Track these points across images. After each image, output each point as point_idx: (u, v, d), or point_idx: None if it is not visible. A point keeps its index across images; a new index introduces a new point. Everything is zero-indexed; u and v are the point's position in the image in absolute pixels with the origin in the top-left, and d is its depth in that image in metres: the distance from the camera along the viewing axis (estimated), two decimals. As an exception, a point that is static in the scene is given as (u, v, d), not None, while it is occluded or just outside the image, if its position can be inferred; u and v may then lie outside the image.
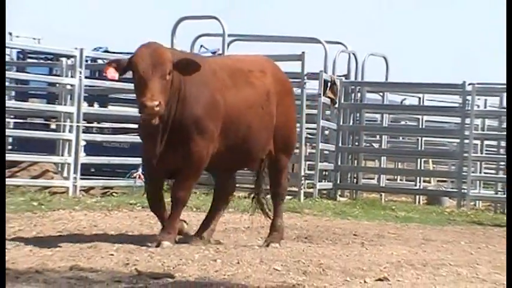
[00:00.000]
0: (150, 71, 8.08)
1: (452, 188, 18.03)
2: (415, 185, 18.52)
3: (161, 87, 8.08)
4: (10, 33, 18.90)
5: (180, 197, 8.58)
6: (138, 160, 15.76)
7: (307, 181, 15.62)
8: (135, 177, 15.15)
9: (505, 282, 4.94)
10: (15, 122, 17.83)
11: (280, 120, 9.19)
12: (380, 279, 7.15)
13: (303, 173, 15.53)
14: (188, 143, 8.45)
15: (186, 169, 8.58)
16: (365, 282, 7.07)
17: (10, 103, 17.74)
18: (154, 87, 8.03)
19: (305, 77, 15.49)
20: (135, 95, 8.34)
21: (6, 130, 18.20)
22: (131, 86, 15.66)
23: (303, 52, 15.48)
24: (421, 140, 18.46)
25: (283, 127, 9.29)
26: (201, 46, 17.24)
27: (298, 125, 16.39)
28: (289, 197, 15.26)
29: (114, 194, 14.30)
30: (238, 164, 9.35)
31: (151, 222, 10.21)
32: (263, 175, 9.51)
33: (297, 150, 16.36)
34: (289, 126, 9.50)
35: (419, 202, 17.71)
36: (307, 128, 15.86)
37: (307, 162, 15.88)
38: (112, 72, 8.35)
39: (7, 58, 19.13)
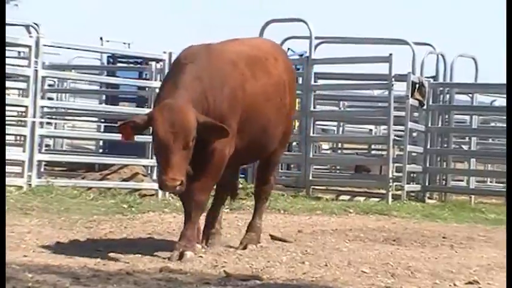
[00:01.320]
0: (171, 140, 7.46)
1: (543, 190, 17.77)
2: (505, 187, 18.29)
3: (183, 160, 7.50)
4: (101, 38, 19.07)
5: (201, 200, 7.95)
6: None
7: (395, 183, 15.49)
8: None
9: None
10: (105, 126, 18.01)
11: (288, 110, 8.75)
12: (470, 283, 7.04)
13: (390, 175, 15.41)
14: (212, 142, 7.83)
15: (207, 169, 7.93)
16: (454, 285, 6.98)
17: (101, 107, 17.94)
18: (176, 163, 7.45)
19: (393, 79, 15.36)
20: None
21: (98, 134, 18.45)
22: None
23: (391, 54, 15.35)
24: (512, 141, 18.23)
25: (288, 117, 8.83)
26: (288, 49, 17.20)
27: (385, 126, 16.38)
28: (377, 199, 15.20)
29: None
30: (250, 159, 8.98)
31: (239, 225, 10.21)
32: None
33: (384, 152, 16.30)
34: (291, 116, 9.00)
35: (509, 204, 17.51)
36: (394, 130, 15.74)
37: (395, 164, 15.74)
38: (128, 134, 7.86)
39: (98, 62, 19.33)
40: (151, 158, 15.17)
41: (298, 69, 16.84)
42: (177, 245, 7.74)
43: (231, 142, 7.97)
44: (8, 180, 13.65)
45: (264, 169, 8.93)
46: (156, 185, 14.75)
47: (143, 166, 15.41)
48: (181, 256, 7.59)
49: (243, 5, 51.83)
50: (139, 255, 7.66)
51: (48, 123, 15.74)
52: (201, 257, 7.72)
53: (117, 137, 16.05)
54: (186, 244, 7.73)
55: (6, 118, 15.90)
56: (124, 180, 15.14)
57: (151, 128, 7.67)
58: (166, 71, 15.08)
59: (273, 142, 8.60)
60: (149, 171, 15.29)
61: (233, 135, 7.93)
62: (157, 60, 15.57)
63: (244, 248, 8.35)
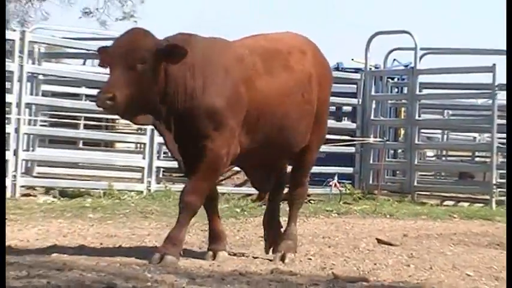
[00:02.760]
0: (116, 60, 6.76)
1: None
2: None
3: (124, 79, 6.71)
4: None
5: (190, 201, 7.18)
6: (334, 169, 15.89)
7: (499, 189, 15.30)
8: (331, 186, 15.22)
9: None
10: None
11: (319, 107, 7.82)
12: None
13: (494, 182, 15.23)
14: (203, 140, 7.09)
15: (200, 169, 7.13)
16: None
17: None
18: (114, 80, 6.72)
19: (496, 88, 15.18)
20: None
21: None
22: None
23: (494, 64, 15.17)
24: None
25: (321, 116, 7.94)
26: (394, 60, 17.12)
27: (489, 134, 16.19)
28: (481, 205, 15.03)
29: (311, 201, 14.33)
30: (275, 158, 7.88)
31: (347, 228, 10.20)
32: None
33: (488, 159, 16.11)
34: (325, 115, 8.14)
35: None
36: (498, 138, 15.54)
37: (499, 171, 15.55)
38: (102, 61, 7.11)
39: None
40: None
41: (404, 79, 16.77)
42: (160, 248, 7.17)
43: (230, 142, 7.19)
44: (129, 186, 13.88)
45: (296, 171, 8.07)
46: None
47: (255, 172, 15.49)
48: (161, 259, 6.97)
49: (350, 19, 51.61)
50: (252, 257, 7.70)
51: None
52: (310, 259, 7.72)
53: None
54: (169, 247, 7.10)
55: (129, 127, 16.11)
56: (237, 186, 15.24)
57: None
58: None
59: (296, 141, 7.72)
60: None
61: (233, 135, 7.19)
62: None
63: (283, 258, 7.57)
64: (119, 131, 16.77)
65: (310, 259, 7.73)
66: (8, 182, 12.56)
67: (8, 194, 12.44)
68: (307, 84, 7.64)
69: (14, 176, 12.66)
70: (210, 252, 7.47)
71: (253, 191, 14.86)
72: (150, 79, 6.84)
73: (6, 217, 9.49)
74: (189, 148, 7.13)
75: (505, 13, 8.44)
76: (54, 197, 12.68)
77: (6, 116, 12.80)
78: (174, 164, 16.51)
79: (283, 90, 7.45)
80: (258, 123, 7.33)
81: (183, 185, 14.52)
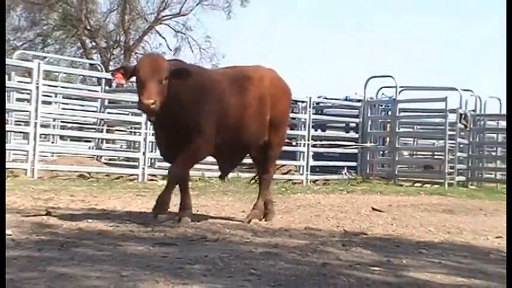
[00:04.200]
0: (148, 76, 6.27)
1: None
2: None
3: (157, 90, 6.25)
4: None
5: (173, 171, 6.63)
6: (344, 163, 15.88)
7: (449, 176, 15.13)
8: (342, 174, 15.31)
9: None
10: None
11: (274, 118, 7.14)
12: (497, 237, 6.85)
13: (446, 171, 15.06)
14: (190, 139, 6.49)
15: (184, 151, 6.53)
16: (487, 238, 6.79)
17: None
18: (151, 89, 6.22)
19: (447, 111, 15.07)
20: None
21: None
22: (342, 119, 15.33)
23: (446, 96, 15.07)
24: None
25: (278, 124, 7.25)
26: (382, 94, 17.03)
27: (443, 141, 16.01)
28: (437, 186, 14.85)
29: (330, 183, 14.30)
30: (239, 151, 7.18)
31: (353, 201, 10.14)
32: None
33: (442, 157, 15.93)
34: (283, 123, 7.40)
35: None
36: (448, 143, 15.37)
37: (449, 164, 15.36)
38: (120, 77, 6.53)
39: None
40: (299, 160, 15.23)
41: (389, 106, 16.71)
42: (178, 213, 6.74)
43: (207, 144, 6.64)
44: (214, 173, 13.89)
45: (264, 162, 7.47)
46: (301, 177, 14.87)
47: (294, 165, 15.48)
48: (179, 220, 6.60)
49: (348, 62, 51.34)
50: (292, 219, 7.68)
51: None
52: (329, 220, 7.64)
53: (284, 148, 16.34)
54: (182, 212, 6.74)
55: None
56: (283, 173, 15.25)
57: (135, 72, 6.39)
58: (308, 107, 15.17)
59: (251, 140, 7.07)
60: (298, 169, 15.34)
61: (210, 139, 6.64)
62: (302, 101, 15.62)
63: (249, 221, 7.07)
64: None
65: (329, 220, 7.69)
66: (139, 171, 12.67)
67: (140, 179, 12.55)
68: (258, 100, 6.97)
69: (143, 168, 12.77)
70: (177, 217, 6.73)
71: (292, 177, 14.95)
72: (168, 92, 6.35)
73: (138, 194, 9.58)
74: (176, 142, 6.51)
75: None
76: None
77: (138, 131, 12.97)
78: (244, 159, 16.71)
79: (242, 104, 6.86)
80: (225, 128, 6.73)
81: (248, 174, 14.73)
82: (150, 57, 6.88)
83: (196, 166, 13.95)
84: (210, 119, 6.63)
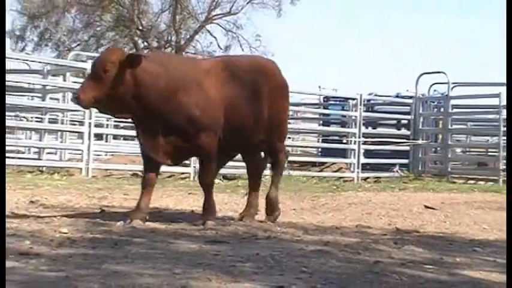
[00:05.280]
0: (92, 68, 6.05)
1: None
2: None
3: (93, 83, 5.84)
4: (319, 86, 19.12)
5: (204, 180, 6.35)
6: (396, 161, 15.75)
7: (503, 173, 14.85)
8: (394, 171, 15.21)
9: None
10: (322, 139, 18.05)
11: (273, 111, 6.58)
12: None
13: (501, 168, 14.81)
14: (195, 139, 6.09)
15: (202, 159, 6.35)
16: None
17: (319, 128, 18.00)
18: (85, 84, 5.92)
19: (502, 107, 14.80)
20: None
21: (318, 143, 18.55)
22: (381, 115, 15.19)
23: (500, 92, 14.80)
24: None
25: (278, 118, 6.68)
26: (434, 90, 16.85)
27: (497, 137, 15.73)
28: (492, 183, 14.62)
29: (381, 181, 14.19)
30: (237, 148, 6.72)
31: (405, 198, 10.05)
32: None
33: (496, 153, 15.65)
34: (281, 117, 6.80)
35: None
36: (503, 140, 15.11)
37: (503, 161, 15.10)
38: None
39: (313, 100, 19.32)
40: (349, 158, 15.16)
41: (441, 102, 16.51)
42: (201, 217, 6.39)
43: (214, 136, 6.21)
44: (264, 172, 13.89)
45: (270, 155, 6.96)
46: (352, 174, 14.80)
47: (345, 163, 15.42)
48: (203, 223, 6.20)
49: (399, 58, 50.84)
50: (343, 217, 7.64)
51: (288, 138, 15.89)
52: (381, 218, 7.61)
53: (330, 146, 16.31)
54: (207, 216, 6.35)
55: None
56: (333, 171, 15.20)
57: None
58: (358, 105, 15.08)
59: (249, 135, 6.51)
60: (349, 166, 15.27)
61: (215, 130, 6.20)
62: (353, 99, 15.54)
63: (240, 219, 6.69)
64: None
65: (381, 218, 7.63)
66: (191, 169, 12.74)
67: (191, 177, 12.62)
68: (253, 93, 6.44)
69: (194, 167, 12.84)
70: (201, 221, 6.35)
71: (343, 175, 14.87)
72: (113, 83, 5.84)
73: (189, 192, 9.64)
74: (179, 144, 6.11)
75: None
76: (220, 179, 12.79)
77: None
78: (295, 158, 16.75)
79: (237, 96, 6.35)
80: (224, 121, 6.28)
81: (299, 172, 14.67)
82: (101, 53, 6.36)
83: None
84: (210, 111, 6.15)
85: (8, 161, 12.13)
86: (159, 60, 6.22)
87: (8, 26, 29.71)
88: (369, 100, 17.12)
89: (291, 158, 15.99)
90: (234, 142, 6.45)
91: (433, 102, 16.83)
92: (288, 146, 16.39)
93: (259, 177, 7.06)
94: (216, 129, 6.22)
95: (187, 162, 13.02)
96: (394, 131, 17.44)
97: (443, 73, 15.88)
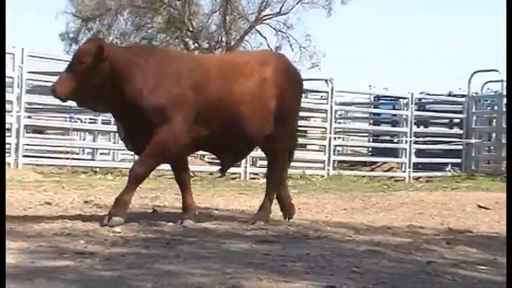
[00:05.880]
0: (71, 61, 5.88)
1: None
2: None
3: (69, 76, 5.72)
4: (369, 85, 19.00)
5: (135, 170, 5.90)
6: (448, 160, 15.57)
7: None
8: (447, 170, 15.08)
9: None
10: (373, 139, 17.94)
11: (280, 106, 6.20)
12: None
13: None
14: (154, 128, 5.77)
15: (148, 147, 5.83)
16: None
17: (370, 127, 17.88)
18: (62, 76, 5.83)
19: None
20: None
21: (368, 143, 18.45)
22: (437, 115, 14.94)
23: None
24: None
25: (286, 113, 6.28)
26: (488, 88, 16.60)
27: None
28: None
29: (433, 181, 14.04)
30: (239, 142, 6.19)
31: (457, 198, 9.90)
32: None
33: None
34: (290, 112, 6.40)
35: None
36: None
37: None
38: None
39: (364, 100, 19.20)
40: (400, 158, 15.04)
41: (494, 101, 16.30)
42: (111, 210, 5.89)
43: (180, 134, 5.85)
44: (316, 172, 13.90)
45: (271, 163, 6.62)
46: (404, 174, 14.67)
47: (396, 163, 15.30)
48: (109, 220, 5.76)
49: (451, 57, 50.11)
50: (394, 217, 7.58)
51: (338, 137, 15.89)
52: (433, 218, 7.53)
53: (381, 145, 16.20)
54: (116, 210, 5.84)
55: (314, 136, 16.13)
56: (384, 171, 15.09)
57: None
58: (410, 105, 14.95)
59: (250, 129, 6.11)
60: (400, 166, 15.15)
61: (181, 128, 5.83)
62: (404, 98, 15.41)
63: (253, 223, 6.26)
64: (308, 136, 16.82)
65: (433, 218, 7.55)
66: (242, 170, 12.81)
67: (242, 177, 12.69)
68: (263, 89, 6.11)
69: (245, 167, 12.90)
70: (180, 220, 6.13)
71: (395, 174, 14.75)
72: (90, 75, 5.71)
73: (240, 192, 9.68)
74: (140, 133, 5.85)
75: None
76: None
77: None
78: (344, 158, 16.69)
79: (232, 90, 6.02)
80: (211, 116, 5.94)
81: (350, 172, 14.65)
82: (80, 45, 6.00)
83: (297, 164, 13.97)
84: (181, 107, 5.85)
85: (62, 162, 12.39)
86: (140, 52, 6.06)
87: (62, 29, 30.25)
88: (420, 99, 16.95)
89: (341, 158, 16.04)
90: (228, 136, 6.06)
91: (486, 100, 16.62)
92: (338, 145, 16.57)
93: (275, 179, 6.55)
94: (178, 123, 5.82)
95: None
96: (446, 130, 17.24)
97: (497, 71, 15.66)
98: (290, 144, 6.59)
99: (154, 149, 5.84)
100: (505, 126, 15.59)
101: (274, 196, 6.57)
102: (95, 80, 5.73)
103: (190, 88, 5.90)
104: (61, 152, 13.19)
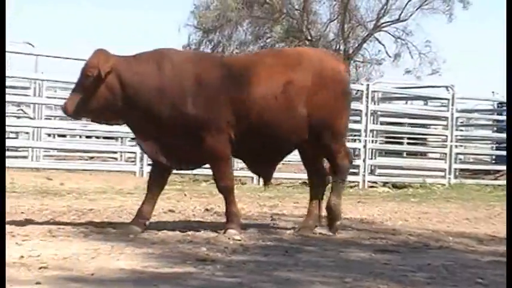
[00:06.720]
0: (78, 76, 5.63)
1: None
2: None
3: (78, 93, 5.51)
4: (492, 92, 18.44)
5: (221, 186, 5.75)
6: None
7: None
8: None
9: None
10: (497, 147, 17.39)
11: (316, 109, 5.73)
12: None
13: None
14: (198, 141, 5.57)
15: (210, 164, 5.75)
16: None
17: (494, 135, 17.35)
18: (71, 93, 5.65)
19: None
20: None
21: (492, 151, 17.86)
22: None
23: None
24: None
25: (326, 115, 5.77)
26: None
27: None
28: None
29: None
30: (268, 149, 5.83)
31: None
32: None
33: None
34: (330, 114, 5.79)
35: None
36: None
37: None
38: None
39: (487, 106, 18.61)
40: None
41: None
42: (226, 224, 5.81)
43: (219, 136, 5.61)
44: (436, 180, 13.61)
45: (316, 162, 6.21)
46: (442, 180, 14.20)
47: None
48: (225, 232, 5.71)
49: None
50: (428, 219, 7.44)
51: (460, 145, 15.51)
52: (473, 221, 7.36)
53: (504, 153, 15.71)
54: (229, 224, 5.80)
55: (434, 144, 15.80)
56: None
57: None
58: (450, 105, 14.47)
59: (283, 134, 5.74)
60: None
61: (219, 130, 5.59)
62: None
63: (298, 231, 6.01)
64: (429, 144, 16.48)
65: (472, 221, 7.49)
66: (360, 178, 12.73)
67: (360, 186, 12.60)
68: (282, 90, 5.67)
69: (364, 175, 12.81)
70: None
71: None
72: (97, 89, 5.49)
73: (359, 200, 9.60)
74: (183, 145, 5.61)
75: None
76: (389, 188, 12.66)
77: (358, 138, 13.09)
78: (467, 166, 16.23)
79: (258, 94, 5.63)
80: (238, 121, 5.63)
81: (472, 180, 14.25)
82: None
83: (417, 172, 13.77)
84: (215, 112, 5.59)
85: (184, 171, 12.71)
86: (150, 59, 5.66)
87: (185, 41, 31.12)
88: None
89: (462, 166, 15.60)
90: (259, 143, 5.75)
91: None
92: (460, 153, 16.13)
93: (320, 186, 6.21)
94: (221, 128, 5.62)
95: (355, 170, 12.98)
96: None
97: None
98: (336, 147, 5.96)
99: (215, 160, 5.71)
100: None
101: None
102: (104, 93, 5.51)
103: (223, 92, 5.61)
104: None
